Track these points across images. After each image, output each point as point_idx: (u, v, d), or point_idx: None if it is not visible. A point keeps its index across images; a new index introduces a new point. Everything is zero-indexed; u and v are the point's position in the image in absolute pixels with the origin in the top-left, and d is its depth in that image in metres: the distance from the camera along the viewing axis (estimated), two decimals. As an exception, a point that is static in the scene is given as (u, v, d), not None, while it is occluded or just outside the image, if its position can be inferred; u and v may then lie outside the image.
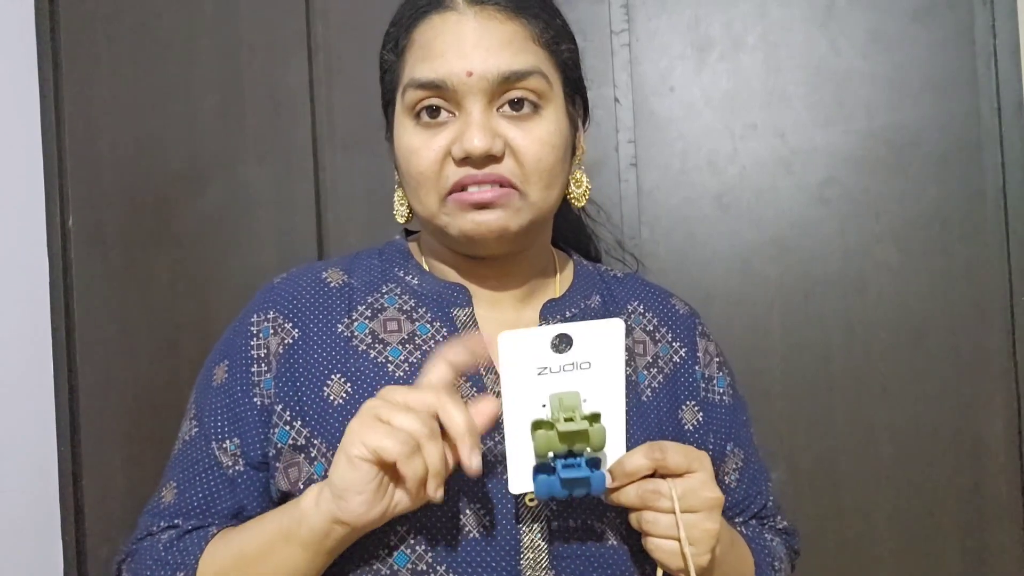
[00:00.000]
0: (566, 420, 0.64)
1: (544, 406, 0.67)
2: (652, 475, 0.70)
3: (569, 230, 1.00)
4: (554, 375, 0.66)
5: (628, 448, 0.70)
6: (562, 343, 0.66)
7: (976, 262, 1.27)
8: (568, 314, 0.85)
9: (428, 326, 0.81)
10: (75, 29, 1.35)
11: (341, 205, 1.34)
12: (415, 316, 0.82)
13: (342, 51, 1.34)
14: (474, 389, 0.79)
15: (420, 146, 0.76)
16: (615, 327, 0.66)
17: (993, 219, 1.27)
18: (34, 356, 1.31)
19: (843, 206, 1.29)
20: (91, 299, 1.34)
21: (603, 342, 0.66)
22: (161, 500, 0.81)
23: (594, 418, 0.65)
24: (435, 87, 0.75)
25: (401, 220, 0.86)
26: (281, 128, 1.34)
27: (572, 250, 0.95)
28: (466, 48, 0.75)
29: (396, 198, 0.86)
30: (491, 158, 0.75)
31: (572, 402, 0.66)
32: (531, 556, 0.75)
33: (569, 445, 0.65)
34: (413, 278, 0.85)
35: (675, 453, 0.69)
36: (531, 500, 0.75)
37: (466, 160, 0.75)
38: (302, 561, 0.70)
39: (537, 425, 0.66)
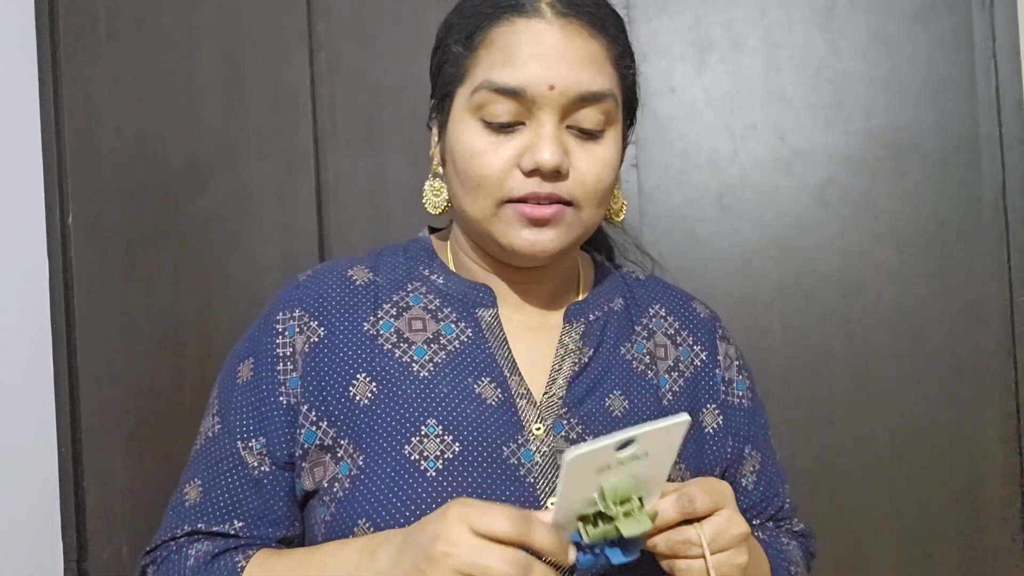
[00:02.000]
0: (625, 515, 0.63)
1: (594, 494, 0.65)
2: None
3: None
4: (611, 469, 0.64)
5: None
6: (625, 444, 0.64)
7: (975, 263, 1.28)
8: (592, 317, 0.85)
9: (453, 326, 0.81)
10: (75, 25, 1.35)
11: (342, 202, 1.34)
12: (440, 316, 0.82)
13: (344, 49, 1.33)
14: (499, 390, 0.78)
15: (486, 150, 0.75)
16: (680, 428, 0.64)
17: (992, 220, 1.28)
18: (34, 355, 1.31)
19: (843, 207, 1.29)
20: (92, 297, 1.34)
21: (665, 439, 0.65)
22: (185, 499, 0.80)
23: (640, 503, 0.65)
24: (513, 94, 0.74)
25: (434, 211, 0.85)
26: (282, 125, 1.34)
27: (594, 251, 0.95)
28: (551, 60, 0.74)
29: (428, 188, 0.85)
30: (557, 173, 0.74)
31: (626, 492, 0.64)
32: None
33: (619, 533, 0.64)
34: (438, 277, 0.84)
35: (702, 498, 0.67)
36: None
37: (534, 172, 0.74)
38: None
39: (585, 519, 0.64)
